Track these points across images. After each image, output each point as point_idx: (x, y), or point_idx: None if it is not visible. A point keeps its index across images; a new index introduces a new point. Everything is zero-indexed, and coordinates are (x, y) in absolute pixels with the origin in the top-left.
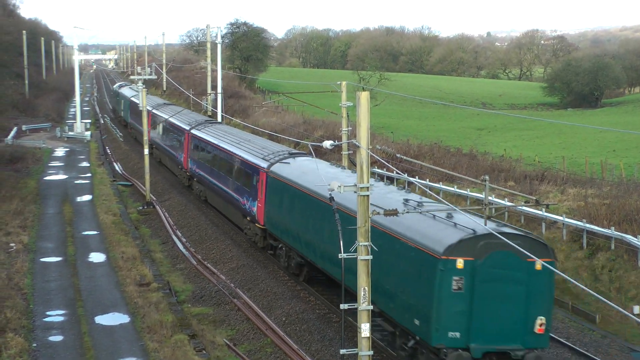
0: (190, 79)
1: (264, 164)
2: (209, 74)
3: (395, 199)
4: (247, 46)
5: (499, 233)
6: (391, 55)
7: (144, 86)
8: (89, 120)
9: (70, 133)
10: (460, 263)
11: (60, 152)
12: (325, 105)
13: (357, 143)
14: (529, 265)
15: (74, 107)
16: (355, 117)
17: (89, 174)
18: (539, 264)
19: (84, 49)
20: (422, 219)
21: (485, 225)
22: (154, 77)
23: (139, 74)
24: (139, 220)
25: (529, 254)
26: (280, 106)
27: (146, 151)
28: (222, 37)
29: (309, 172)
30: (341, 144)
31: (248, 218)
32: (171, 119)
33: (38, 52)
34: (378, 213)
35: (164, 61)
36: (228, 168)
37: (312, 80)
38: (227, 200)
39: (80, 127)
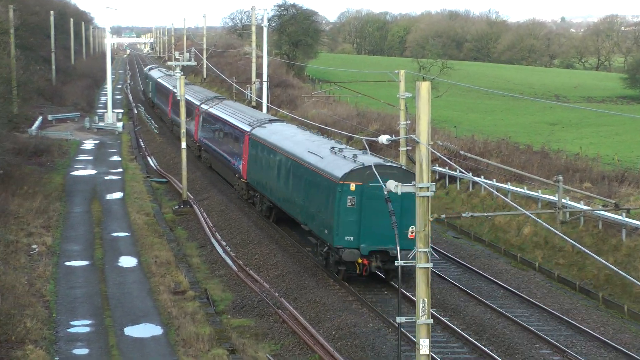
0: (233, 65)
1: (247, 128)
2: (254, 60)
3: (325, 147)
4: (295, 30)
5: (380, 165)
6: (454, 41)
7: (182, 73)
8: (121, 110)
9: (101, 124)
10: (352, 186)
11: (89, 144)
12: (382, 97)
13: (416, 138)
14: None
15: (105, 95)
16: (414, 109)
17: (120, 169)
18: None
19: (117, 31)
20: (337, 159)
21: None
22: (193, 63)
23: (176, 59)
24: (174, 221)
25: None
26: (332, 97)
27: (184, 145)
28: (269, 20)
29: (277, 132)
30: (398, 139)
31: (237, 175)
32: (186, 96)
33: (67, 35)
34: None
35: (205, 46)
36: (224, 135)
37: (367, 68)
38: (223, 163)
39: (111, 117)
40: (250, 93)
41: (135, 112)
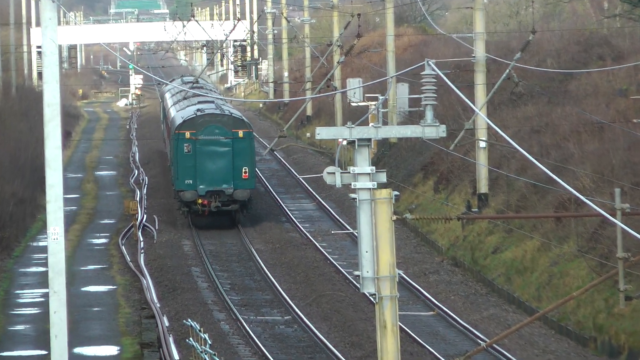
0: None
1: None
2: None
3: (192, 109)
4: None
5: (211, 114)
6: None
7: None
8: None
9: None
10: (187, 134)
11: None
12: None
13: None
14: (234, 134)
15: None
16: None
17: None
18: (241, 132)
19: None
20: (183, 110)
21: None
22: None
23: None
24: None
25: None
26: None
27: None
28: None
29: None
30: None
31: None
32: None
33: None
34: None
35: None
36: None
37: None
38: None
39: None
40: None
41: None
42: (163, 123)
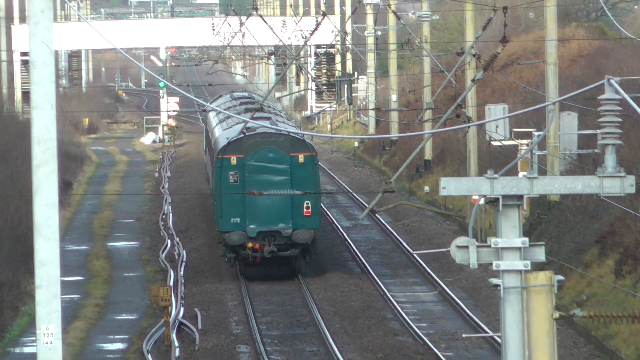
0: None
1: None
2: None
3: (238, 128)
4: None
5: (263, 134)
6: None
7: None
8: None
9: None
10: (233, 160)
11: None
12: None
13: None
14: (292, 159)
15: None
16: None
17: None
18: (302, 157)
19: None
20: (229, 129)
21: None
22: None
23: None
24: None
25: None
26: None
27: None
28: None
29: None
30: None
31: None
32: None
33: None
34: None
35: None
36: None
37: None
38: None
39: None
40: None
41: None
42: (206, 150)
